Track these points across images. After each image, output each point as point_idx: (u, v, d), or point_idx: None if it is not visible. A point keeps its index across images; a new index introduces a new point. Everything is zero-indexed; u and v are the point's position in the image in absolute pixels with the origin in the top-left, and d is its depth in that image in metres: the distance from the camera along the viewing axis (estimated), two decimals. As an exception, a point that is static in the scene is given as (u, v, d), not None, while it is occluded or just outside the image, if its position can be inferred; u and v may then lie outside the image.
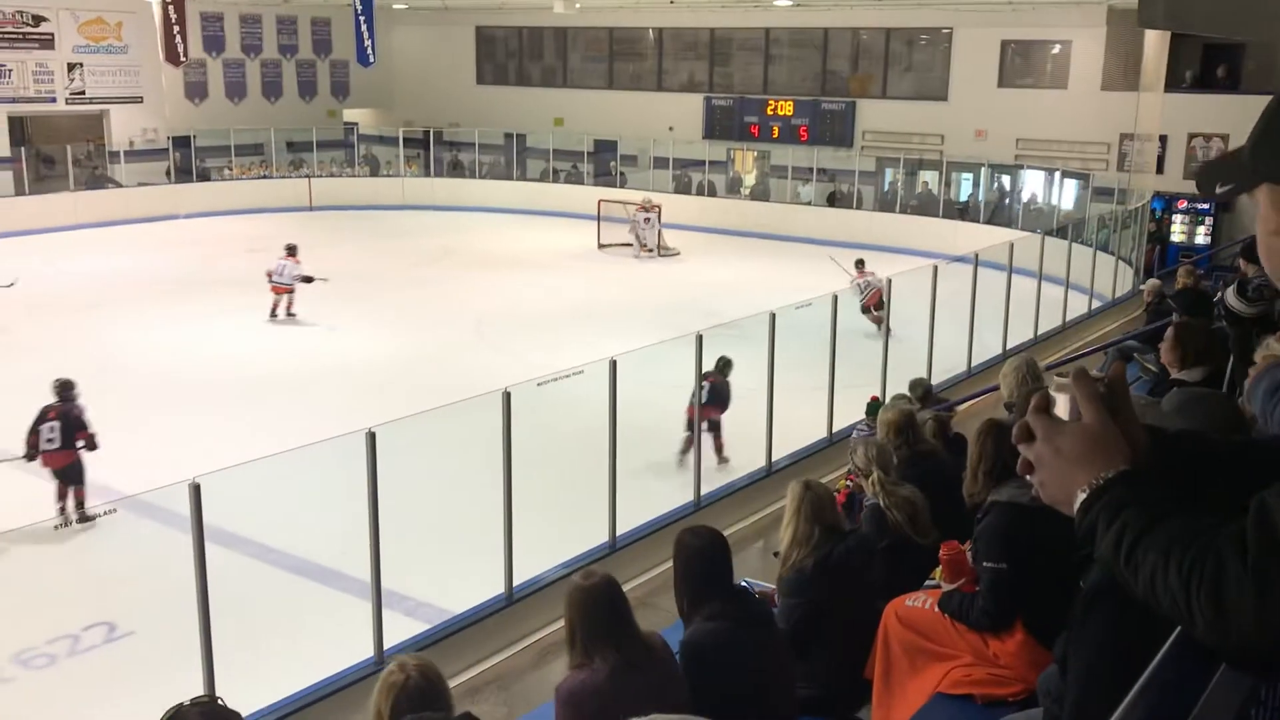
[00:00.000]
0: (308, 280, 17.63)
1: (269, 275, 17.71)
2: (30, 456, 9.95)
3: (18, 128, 26.83)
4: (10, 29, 26.43)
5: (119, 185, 27.66)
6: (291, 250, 18.00)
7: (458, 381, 12.76)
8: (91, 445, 9.99)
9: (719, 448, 10.94)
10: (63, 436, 9.94)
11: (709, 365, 10.37)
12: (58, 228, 24.31)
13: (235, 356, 14.95)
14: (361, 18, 26.90)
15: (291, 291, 17.67)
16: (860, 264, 17.31)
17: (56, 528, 9.39)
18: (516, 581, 7.53)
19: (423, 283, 19.07)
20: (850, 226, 25.11)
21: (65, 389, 10.24)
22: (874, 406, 8.08)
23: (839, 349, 10.94)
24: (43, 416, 10.03)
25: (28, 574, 6.85)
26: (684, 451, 10.64)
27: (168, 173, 29.04)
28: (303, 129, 31.41)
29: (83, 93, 27.83)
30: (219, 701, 3.23)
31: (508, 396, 7.45)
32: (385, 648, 6.72)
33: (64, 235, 24.00)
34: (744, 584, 4.42)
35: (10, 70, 26.53)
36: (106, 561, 6.99)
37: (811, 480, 4.71)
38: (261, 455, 7.37)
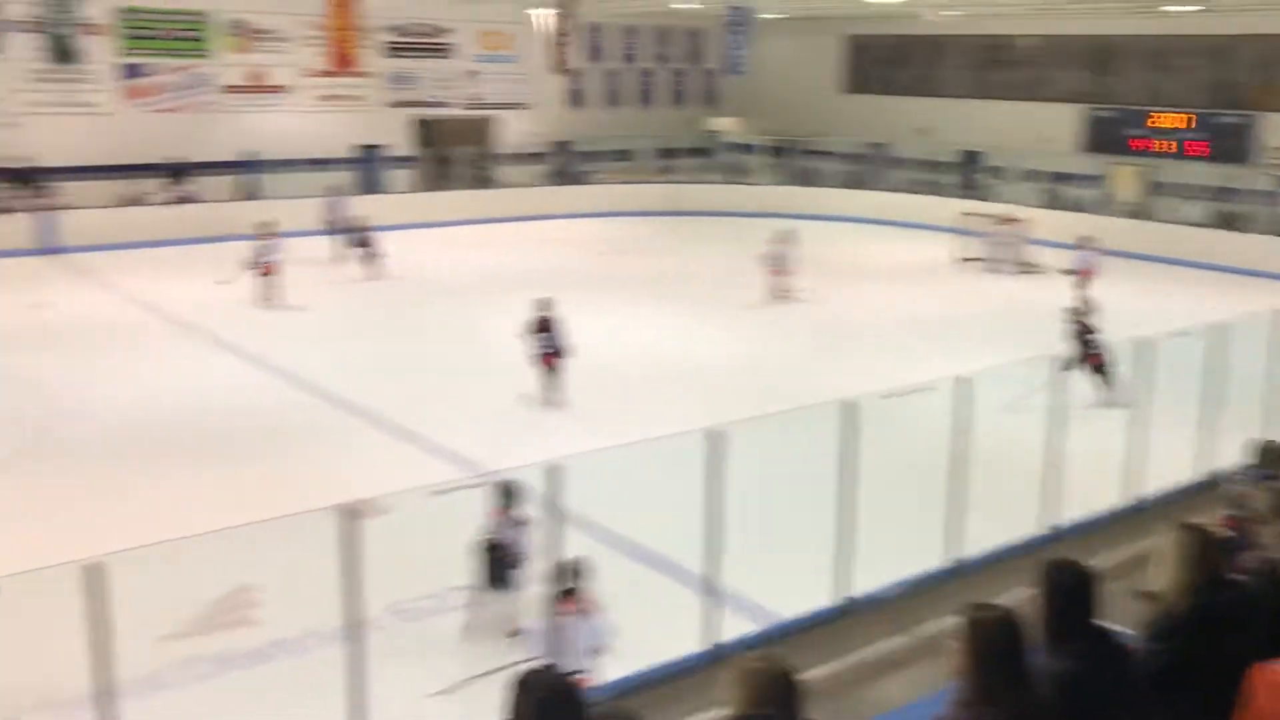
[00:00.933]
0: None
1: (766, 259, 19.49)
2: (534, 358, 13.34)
3: (424, 130, 29.61)
4: (421, 41, 29.25)
5: (503, 186, 29.86)
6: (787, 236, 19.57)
7: (801, 387, 12.82)
8: (566, 353, 13.24)
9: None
10: (553, 343, 13.29)
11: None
12: (448, 222, 26.63)
13: (589, 346, 15.69)
14: (737, 29, 27.64)
15: (782, 274, 19.41)
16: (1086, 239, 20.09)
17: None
18: (850, 594, 7.46)
19: (776, 288, 19.30)
20: (1243, 251, 22.97)
21: (548, 305, 13.42)
22: (1268, 449, 7.30)
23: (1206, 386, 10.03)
24: (537, 328, 13.35)
25: (404, 534, 7.51)
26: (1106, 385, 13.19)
27: (547, 175, 31.04)
28: (672, 135, 32.64)
29: (478, 98, 30.33)
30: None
31: (851, 407, 7.38)
32: (717, 643, 6.85)
33: (454, 230, 26.27)
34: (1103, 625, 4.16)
35: (419, 78, 29.36)
36: (468, 530, 7.58)
37: (1201, 524, 4.35)
38: (609, 444, 7.74)
